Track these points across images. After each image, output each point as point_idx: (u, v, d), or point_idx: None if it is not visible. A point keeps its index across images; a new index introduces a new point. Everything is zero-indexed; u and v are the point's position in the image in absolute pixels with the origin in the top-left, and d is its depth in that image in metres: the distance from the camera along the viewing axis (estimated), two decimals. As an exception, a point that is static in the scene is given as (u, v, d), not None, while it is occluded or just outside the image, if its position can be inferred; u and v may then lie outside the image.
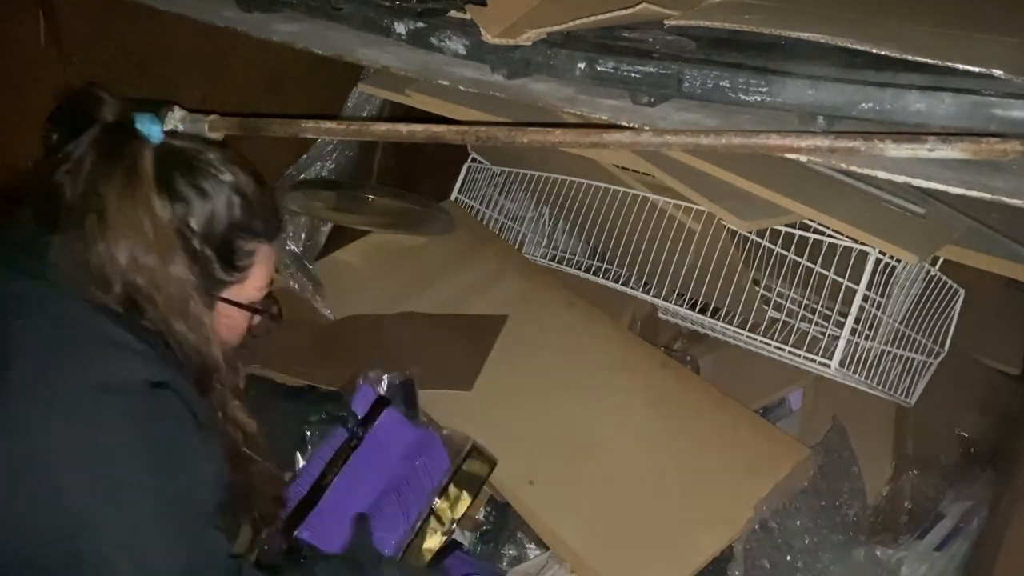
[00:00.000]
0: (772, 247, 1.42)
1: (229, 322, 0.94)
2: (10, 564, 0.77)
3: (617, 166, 1.52)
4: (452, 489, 1.19)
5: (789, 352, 1.40)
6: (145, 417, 0.79)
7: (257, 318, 0.97)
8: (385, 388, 1.35)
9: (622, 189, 1.53)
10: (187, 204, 0.85)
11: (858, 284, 1.32)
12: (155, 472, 0.79)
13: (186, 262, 0.86)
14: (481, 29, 1.01)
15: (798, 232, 1.38)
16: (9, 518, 0.76)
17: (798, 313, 1.52)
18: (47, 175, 0.85)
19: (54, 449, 0.75)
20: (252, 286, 0.94)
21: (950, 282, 1.46)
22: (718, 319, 1.51)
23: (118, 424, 0.78)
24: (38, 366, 0.77)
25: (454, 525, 1.19)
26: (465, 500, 1.19)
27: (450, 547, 1.36)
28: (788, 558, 1.33)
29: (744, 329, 1.46)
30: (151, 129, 0.87)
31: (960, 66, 0.81)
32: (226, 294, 0.92)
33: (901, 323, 1.43)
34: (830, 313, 1.43)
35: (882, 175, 0.84)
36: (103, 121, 0.86)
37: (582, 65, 0.99)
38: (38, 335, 0.79)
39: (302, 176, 1.84)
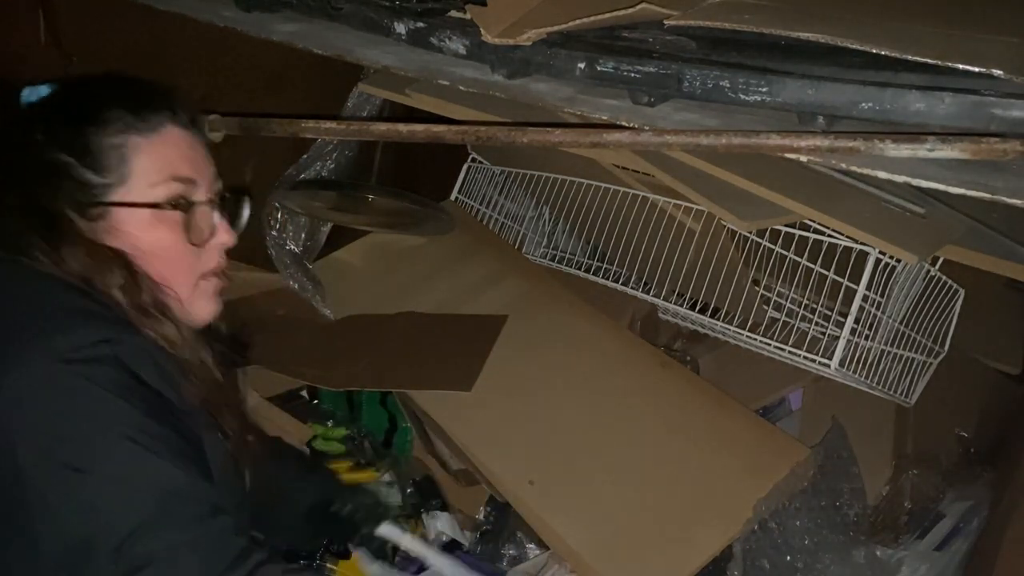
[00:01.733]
0: (772, 247, 1.42)
1: (146, 237, 0.81)
2: None
3: (617, 166, 1.52)
4: None
5: (789, 352, 1.40)
6: (117, 391, 0.72)
7: (196, 228, 0.83)
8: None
9: (622, 189, 1.53)
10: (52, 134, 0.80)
11: (858, 284, 1.32)
12: (125, 450, 0.72)
13: (54, 174, 0.78)
14: (481, 29, 1.01)
15: (798, 232, 1.38)
16: None
17: (798, 313, 1.52)
18: None
19: (27, 423, 0.71)
20: (140, 185, 0.80)
21: (950, 282, 1.46)
22: (718, 319, 1.50)
23: (87, 401, 0.72)
24: (9, 340, 0.72)
25: None
26: None
27: (450, 547, 1.37)
28: (788, 558, 1.33)
29: (744, 329, 1.46)
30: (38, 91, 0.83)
31: (960, 66, 0.81)
32: (114, 198, 0.80)
33: (901, 323, 1.43)
34: (830, 313, 1.43)
35: (882, 175, 0.84)
36: None
37: (582, 65, 0.99)
38: (8, 313, 0.75)
39: (302, 176, 1.84)
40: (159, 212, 0.80)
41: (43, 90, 0.83)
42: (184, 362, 0.80)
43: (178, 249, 0.82)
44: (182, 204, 0.81)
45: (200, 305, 0.86)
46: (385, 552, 1.20)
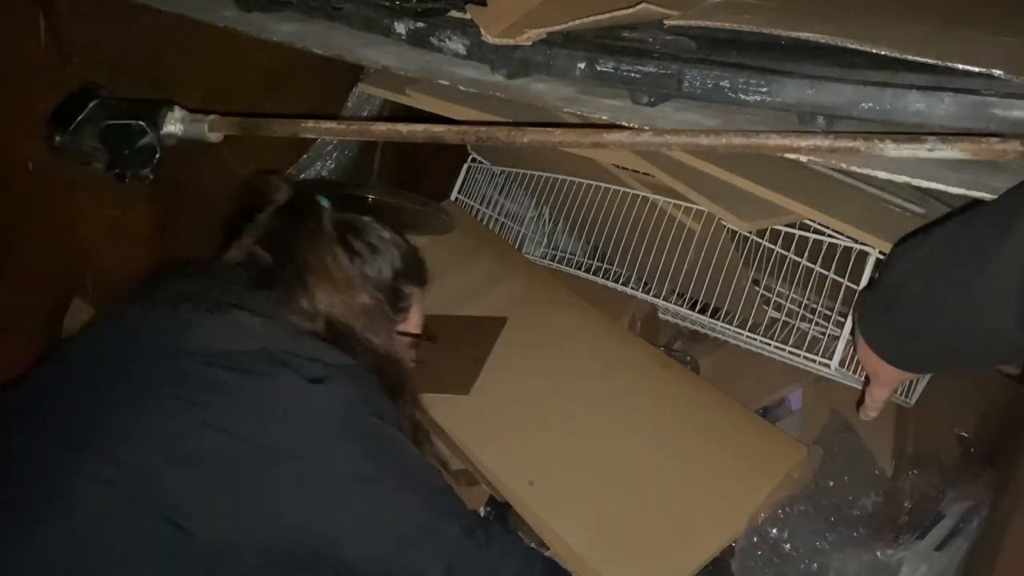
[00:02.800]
0: (772, 247, 1.42)
1: (402, 350, 1.13)
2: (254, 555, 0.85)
3: (617, 166, 1.52)
4: None
5: (789, 352, 1.40)
6: (373, 422, 0.95)
7: (418, 347, 1.18)
8: None
9: (622, 189, 1.53)
10: (362, 257, 1.07)
11: (858, 284, 1.32)
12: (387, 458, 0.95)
13: (369, 294, 1.06)
14: (481, 29, 1.01)
15: (798, 232, 1.38)
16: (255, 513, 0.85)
17: (798, 313, 1.52)
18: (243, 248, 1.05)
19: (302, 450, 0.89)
20: (411, 324, 1.16)
21: (950, 282, 1.46)
22: (718, 319, 1.50)
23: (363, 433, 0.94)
24: (291, 383, 0.92)
25: None
26: None
27: None
28: (787, 558, 1.33)
29: (744, 329, 1.46)
30: (325, 201, 1.08)
31: (960, 66, 0.81)
32: (398, 330, 1.12)
33: (901, 323, 1.43)
34: (830, 313, 1.43)
35: (882, 175, 0.84)
36: (278, 201, 1.08)
37: (582, 65, 0.99)
38: (324, 368, 0.94)
39: (302, 176, 1.84)
40: (415, 340, 1.18)
41: (327, 202, 1.09)
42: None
43: (411, 359, 1.19)
44: (432, 338, 1.21)
45: None
46: None
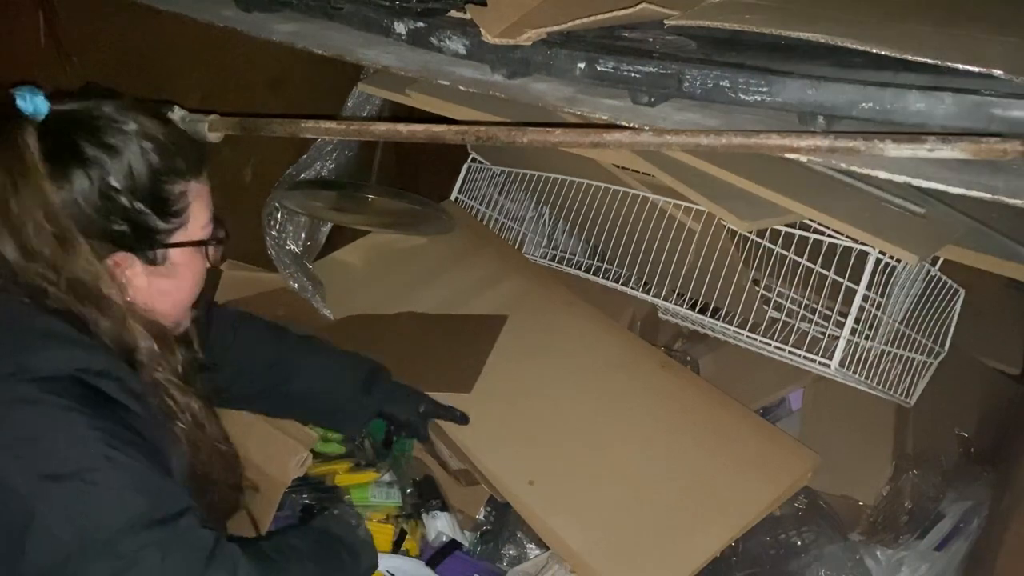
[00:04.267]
0: (772, 247, 1.42)
1: (188, 270, 0.91)
2: None
3: (617, 166, 1.52)
4: None
5: (789, 352, 1.40)
6: (87, 409, 0.77)
7: (211, 250, 0.94)
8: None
9: (622, 189, 1.53)
10: (101, 166, 0.82)
11: (858, 284, 1.32)
12: (100, 455, 0.76)
13: (95, 239, 0.83)
14: (481, 29, 1.01)
15: (798, 232, 1.38)
16: None
17: (798, 313, 1.52)
18: None
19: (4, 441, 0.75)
20: (195, 226, 0.91)
21: (950, 282, 1.46)
22: (718, 319, 1.51)
23: (59, 416, 0.76)
24: None
25: None
26: None
27: (450, 547, 1.37)
28: (787, 558, 1.33)
29: (744, 329, 1.46)
30: (36, 103, 0.82)
31: (960, 66, 0.81)
32: (174, 240, 0.89)
33: (901, 323, 1.43)
34: (830, 313, 1.43)
35: (882, 175, 0.84)
36: None
37: (582, 65, 0.99)
38: None
39: (302, 176, 1.83)
40: (204, 248, 0.92)
41: (41, 104, 0.83)
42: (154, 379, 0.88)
43: (202, 275, 0.95)
44: (222, 238, 0.94)
45: (186, 319, 0.97)
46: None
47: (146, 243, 0.87)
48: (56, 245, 0.81)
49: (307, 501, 1.36)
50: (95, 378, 0.79)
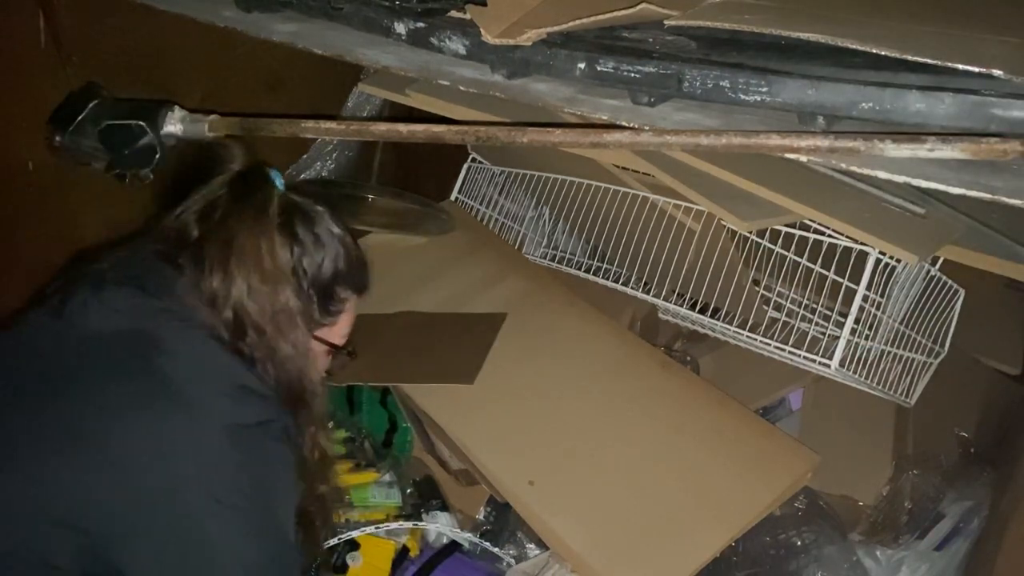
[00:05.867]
0: (772, 247, 1.42)
1: (317, 360, 1.03)
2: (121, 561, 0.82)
3: (617, 166, 1.52)
4: None
5: (789, 352, 1.40)
6: (261, 454, 0.87)
7: (335, 358, 1.07)
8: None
9: (622, 189, 1.53)
10: (304, 247, 0.96)
11: (858, 284, 1.32)
12: (261, 503, 0.86)
13: (294, 294, 0.95)
14: (481, 29, 1.01)
15: (798, 232, 1.38)
16: (133, 530, 0.82)
17: (798, 313, 1.52)
18: (180, 216, 0.95)
19: (187, 473, 0.83)
20: (338, 331, 1.05)
21: (950, 282, 1.46)
22: (718, 319, 1.50)
23: (240, 458, 0.85)
24: (181, 401, 0.84)
25: None
26: None
27: (450, 547, 1.37)
28: (787, 557, 1.33)
29: (744, 329, 1.46)
30: (278, 179, 0.98)
31: (960, 66, 0.81)
32: (319, 334, 1.01)
33: (901, 323, 1.43)
34: (830, 313, 1.43)
35: (882, 175, 0.84)
36: (233, 168, 0.97)
37: (582, 65, 0.99)
38: (179, 372, 0.86)
39: (302, 176, 1.84)
40: (331, 352, 1.05)
41: (280, 183, 0.98)
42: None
43: (325, 368, 1.07)
44: (350, 353, 1.09)
45: None
46: None
47: (304, 323, 0.98)
48: (274, 289, 0.93)
49: None
50: (281, 430, 0.90)
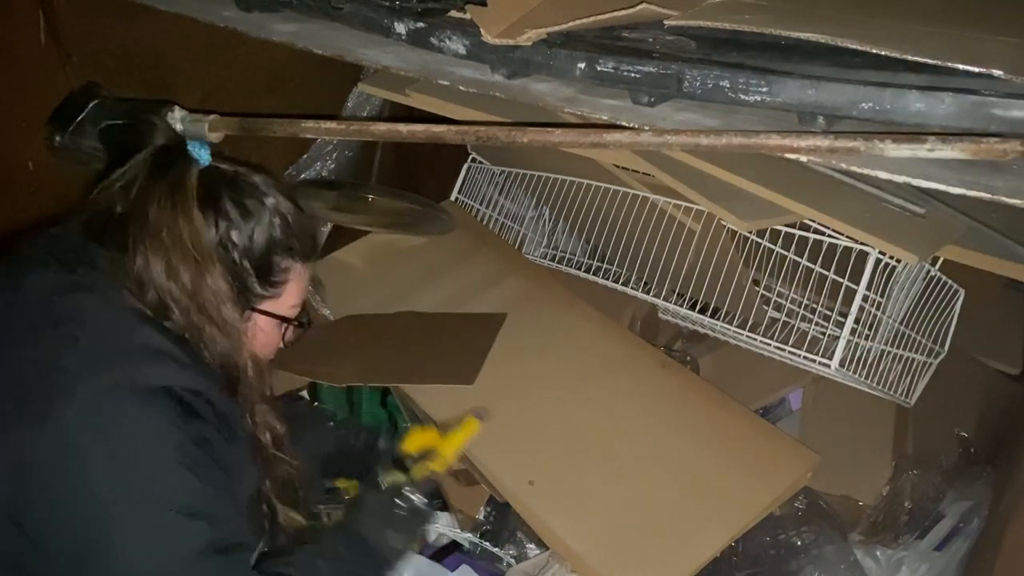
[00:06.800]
0: (772, 247, 1.42)
1: (264, 335, 1.00)
2: (28, 548, 0.81)
3: (617, 166, 1.52)
4: None
5: (789, 352, 1.40)
6: (177, 421, 0.84)
7: (289, 329, 1.03)
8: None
9: (622, 189, 1.53)
10: (230, 221, 0.93)
11: (858, 284, 1.32)
12: (181, 473, 0.83)
13: (223, 273, 0.92)
14: (481, 29, 1.01)
15: (798, 232, 1.38)
16: (39, 504, 0.81)
17: (798, 313, 1.51)
18: (102, 191, 0.93)
19: (90, 447, 0.80)
20: (286, 302, 1.01)
21: (950, 282, 1.46)
22: (718, 319, 1.50)
23: (152, 425, 0.83)
24: (84, 367, 0.82)
25: None
26: None
27: (450, 547, 1.36)
28: (787, 557, 1.33)
29: (744, 329, 1.46)
30: (200, 153, 0.94)
31: (960, 66, 0.81)
32: (262, 307, 0.98)
33: (901, 323, 1.43)
34: (830, 313, 1.43)
35: (882, 175, 0.84)
36: (155, 144, 0.95)
37: (582, 65, 0.99)
38: (88, 341, 0.85)
39: (302, 176, 1.84)
40: (283, 325, 1.01)
41: (206, 156, 0.95)
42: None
43: (273, 348, 1.04)
44: (302, 323, 1.04)
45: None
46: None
47: (241, 299, 0.95)
48: (196, 269, 0.90)
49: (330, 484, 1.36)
50: (190, 396, 0.86)
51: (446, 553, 1.36)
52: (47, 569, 0.82)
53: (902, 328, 1.43)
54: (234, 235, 0.93)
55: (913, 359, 1.47)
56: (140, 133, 0.98)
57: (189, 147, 0.94)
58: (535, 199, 1.86)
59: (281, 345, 1.04)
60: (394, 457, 1.20)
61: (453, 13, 1.08)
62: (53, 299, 0.87)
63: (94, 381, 0.82)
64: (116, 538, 0.80)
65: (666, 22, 1.02)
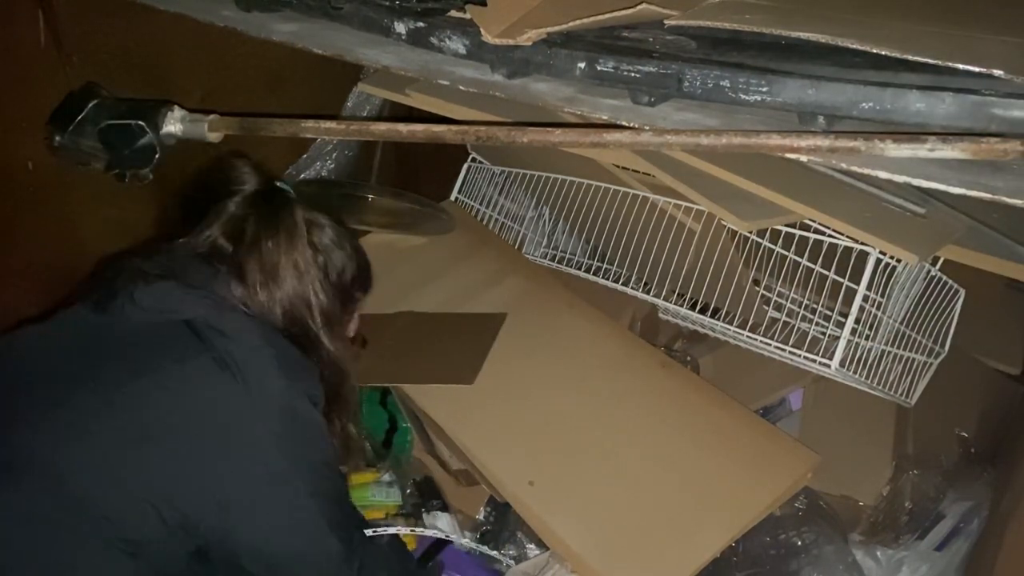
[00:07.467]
0: (772, 247, 1.42)
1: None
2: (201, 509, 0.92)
3: (617, 166, 1.52)
4: None
5: (789, 352, 1.40)
6: (310, 423, 0.99)
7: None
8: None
9: (622, 189, 1.53)
10: (327, 254, 1.07)
11: (858, 284, 1.32)
12: (323, 457, 1.00)
13: (328, 294, 1.05)
14: (481, 29, 1.01)
15: (798, 232, 1.38)
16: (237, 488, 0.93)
17: (798, 313, 1.51)
18: (199, 235, 1.03)
19: (265, 434, 0.94)
20: (351, 328, 1.17)
21: (950, 282, 1.46)
22: (718, 319, 1.50)
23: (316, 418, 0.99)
24: (239, 377, 0.93)
25: None
26: None
27: (439, 545, 1.37)
28: (787, 557, 1.33)
29: (744, 329, 1.46)
30: (289, 190, 1.07)
31: (960, 66, 0.81)
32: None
33: (901, 323, 1.43)
34: (830, 313, 1.42)
35: (882, 175, 0.84)
36: (248, 188, 1.06)
37: (582, 65, 0.99)
38: (235, 351, 0.95)
39: (302, 176, 1.84)
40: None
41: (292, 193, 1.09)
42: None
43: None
44: (364, 342, 1.25)
45: None
46: None
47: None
48: (314, 296, 1.03)
49: None
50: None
51: (441, 546, 1.36)
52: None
53: (902, 328, 1.43)
54: (329, 267, 1.07)
55: (913, 359, 1.47)
56: (224, 177, 1.08)
57: (280, 185, 1.07)
58: (535, 199, 1.86)
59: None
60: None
61: (453, 13, 1.08)
62: (189, 312, 0.95)
63: (265, 386, 0.94)
64: (293, 479, 0.95)
65: (666, 22, 1.02)
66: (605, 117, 0.99)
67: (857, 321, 1.34)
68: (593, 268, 1.72)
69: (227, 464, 0.92)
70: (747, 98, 0.89)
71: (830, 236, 1.35)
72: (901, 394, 1.45)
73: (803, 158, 0.91)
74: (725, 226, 1.38)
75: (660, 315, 1.73)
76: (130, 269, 0.98)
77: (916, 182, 0.82)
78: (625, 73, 0.96)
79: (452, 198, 1.95)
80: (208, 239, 1.03)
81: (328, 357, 1.05)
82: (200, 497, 0.91)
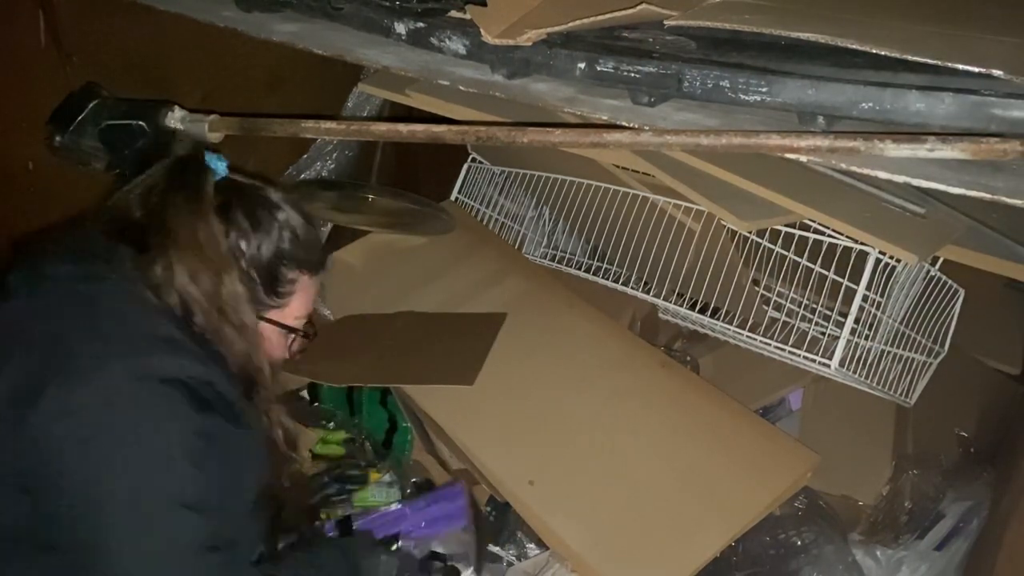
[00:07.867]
0: (772, 247, 1.42)
1: (269, 344, 1.02)
2: (38, 518, 0.84)
3: (617, 166, 1.52)
4: None
5: (789, 352, 1.40)
6: (188, 412, 0.86)
7: (296, 340, 1.06)
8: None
9: (622, 189, 1.53)
10: (240, 230, 0.96)
11: (858, 284, 1.32)
12: (183, 466, 0.84)
13: (239, 278, 0.95)
14: (481, 29, 1.01)
15: (798, 232, 1.38)
16: (50, 478, 0.83)
17: (798, 313, 1.51)
18: (120, 197, 0.97)
19: (99, 431, 0.82)
20: (292, 313, 1.03)
21: (950, 282, 1.46)
22: (718, 319, 1.50)
23: (161, 414, 0.85)
24: (97, 354, 0.84)
25: None
26: None
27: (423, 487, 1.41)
28: (787, 557, 1.33)
29: (744, 329, 1.46)
30: (218, 164, 0.98)
31: (960, 66, 0.81)
32: (268, 316, 1.01)
33: (901, 323, 1.43)
34: (830, 313, 1.43)
35: (882, 175, 0.84)
36: (175, 154, 0.99)
37: (582, 65, 0.99)
38: (106, 328, 0.88)
39: (302, 176, 1.84)
40: (288, 335, 1.04)
41: (222, 168, 0.99)
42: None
43: (277, 357, 1.05)
44: (308, 335, 1.06)
45: None
46: None
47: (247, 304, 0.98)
48: (214, 273, 0.93)
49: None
50: (203, 388, 0.89)
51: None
52: (54, 540, 0.84)
53: (902, 328, 1.43)
54: (243, 244, 0.96)
55: (913, 359, 1.47)
56: (159, 143, 1.03)
57: (207, 159, 0.98)
58: (535, 199, 1.86)
59: (287, 355, 1.07)
60: None
61: (453, 13, 1.08)
62: (76, 288, 0.90)
63: (110, 366, 0.84)
64: (113, 522, 0.82)
65: (666, 22, 1.02)
66: (605, 117, 0.99)
67: (857, 321, 1.34)
68: (593, 268, 1.72)
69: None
70: (747, 98, 0.89)
71: (830, 236, 1.35)
72: (901, 394, 1.45)
73: (803, 158, 0.91)
74: (725, 226, 1.38)
75: (660, 315, 1.73)
76: (30, 252, 0.95)
77: (916, 182, 0.82)
78: (625, 73, 0.96)
79: (452, 198, 1.95)
80: (122, 201, 0.97)
81: (232, 346, 0.96)
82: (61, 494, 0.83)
